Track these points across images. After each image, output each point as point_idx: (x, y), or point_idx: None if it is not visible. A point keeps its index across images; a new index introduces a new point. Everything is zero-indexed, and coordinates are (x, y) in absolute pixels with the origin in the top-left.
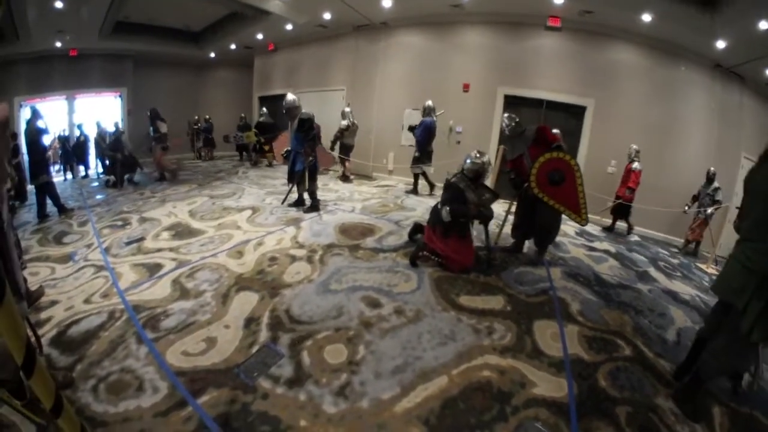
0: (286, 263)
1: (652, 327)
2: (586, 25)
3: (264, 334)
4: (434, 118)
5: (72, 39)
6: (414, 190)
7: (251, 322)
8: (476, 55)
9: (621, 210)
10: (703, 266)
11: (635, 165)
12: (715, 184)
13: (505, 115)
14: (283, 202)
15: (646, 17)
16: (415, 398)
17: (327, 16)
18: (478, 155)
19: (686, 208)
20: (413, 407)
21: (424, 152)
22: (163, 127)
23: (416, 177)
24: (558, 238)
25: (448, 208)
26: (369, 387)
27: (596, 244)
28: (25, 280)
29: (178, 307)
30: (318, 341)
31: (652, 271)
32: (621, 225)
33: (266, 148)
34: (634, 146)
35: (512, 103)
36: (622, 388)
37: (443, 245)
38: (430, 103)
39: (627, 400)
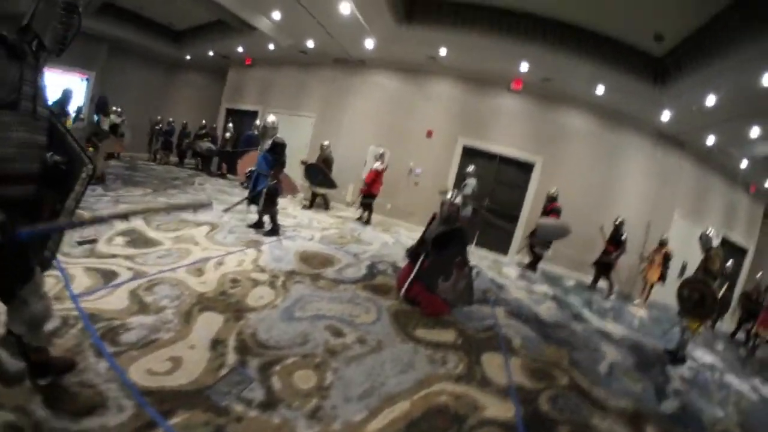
0: (249, 286)
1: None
2: (544, 90)
3: (232, 357)
4: None
5: None
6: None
7: (217, 344)
8: (443, 105)
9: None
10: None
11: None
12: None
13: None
14: (226, 211)
15: (600, 89)
16: (383, 420)
17: (311, 44)
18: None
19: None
20: (381, 428)
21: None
22: (105, 123)
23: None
24: (501, 281)
25: None
26: (340, 410)
27: (536, 287)
28: None
29: (138, 322)
30: (287, 367)
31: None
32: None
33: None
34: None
35: (470, 153)
36: (561, 411)
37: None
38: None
39: (567, 421)
